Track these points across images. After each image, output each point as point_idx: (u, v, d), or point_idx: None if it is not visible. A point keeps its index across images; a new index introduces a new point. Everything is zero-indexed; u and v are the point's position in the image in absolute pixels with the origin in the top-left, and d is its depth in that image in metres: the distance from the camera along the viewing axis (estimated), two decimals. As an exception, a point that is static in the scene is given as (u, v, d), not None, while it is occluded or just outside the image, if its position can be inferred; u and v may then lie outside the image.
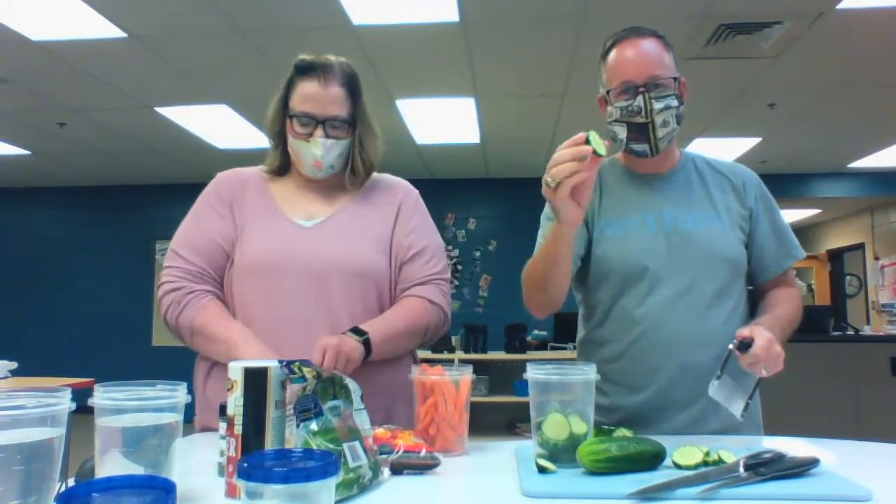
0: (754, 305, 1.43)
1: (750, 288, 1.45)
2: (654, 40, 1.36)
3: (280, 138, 1.44)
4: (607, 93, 1.38)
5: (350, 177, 1.44)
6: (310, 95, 1.36)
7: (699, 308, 1.33)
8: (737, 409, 1.19)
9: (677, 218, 1.38)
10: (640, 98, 1.31)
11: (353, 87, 1.40)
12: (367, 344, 1.27)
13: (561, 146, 1.10)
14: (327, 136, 1.37)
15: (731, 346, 1.16)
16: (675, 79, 1.34)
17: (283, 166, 1.48)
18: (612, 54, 1.37)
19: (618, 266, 1.37)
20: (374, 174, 1.52)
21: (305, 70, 1.38)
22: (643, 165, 1.43)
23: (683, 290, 1.34)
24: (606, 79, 1.39)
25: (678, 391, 1.32)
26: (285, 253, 1.36)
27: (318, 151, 1.37)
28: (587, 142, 1.08)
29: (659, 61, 1.34)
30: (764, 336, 1.15)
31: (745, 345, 1.15)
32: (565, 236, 1.20)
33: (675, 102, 1.33)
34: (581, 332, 1.50)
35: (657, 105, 1.32)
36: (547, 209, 1.38)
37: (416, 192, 1.55)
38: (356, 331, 1.28)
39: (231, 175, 1.49)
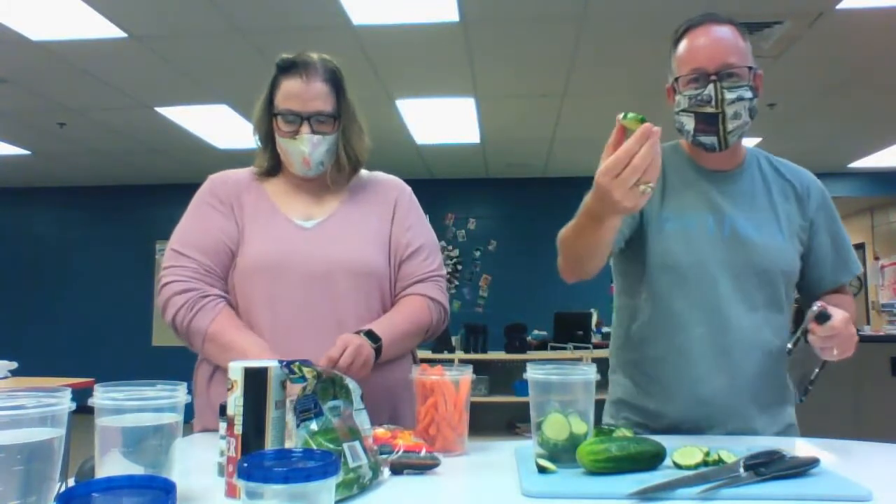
0: (798, 314, 1.36)
1: (796, 297, 1.40)
2: (730, 27, 1.28)
3: (268, 139, 1.43)
4: (676, 80, 1.30)
5: (334, 172, 1.43)
6: (293, 93, 1.36)
7: (752, 317, 1.28)
8: (799, 388, 1.15)
9: (738, 223, 1.31)
10: (710, 87, 1.23)
11: (335, 81, 1.39)
12: (378, 350, 1.26)
13: (631, 148, 0.93)
14: (313, 131, 1.36)
15: (811, 313, 1.09)
16: (750, 69, 1.26)
17: (273, 167, 1.47)
18: (684, 41, 1.30)
19: (674, 264, 1.30)
20: (366, 171, 1.52)
21: (287, 68, 1.37)
22: (709, 160, 1.35)
23: (737, 297, 1.28)
24: (676, 66, 1.31)
25: (724, 399, 1.28)
26: (288, 254, 1.35)
27: (305, 148, 1.36)
28: (640, 120, 0.95)
29: (734, 48, 1.26)
30: (842, 312, 1.09)
31: (823, 316, 1.08)
32: (615, 225, 1.11)
33: (748, 94, 1.25)
34: (622, 325, 1.42)
35: (729, 95, 1.23)
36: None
37: (410, 188, 1.54)
38: (368, 335, 1.26)
39: (225, 176, 1.47)
